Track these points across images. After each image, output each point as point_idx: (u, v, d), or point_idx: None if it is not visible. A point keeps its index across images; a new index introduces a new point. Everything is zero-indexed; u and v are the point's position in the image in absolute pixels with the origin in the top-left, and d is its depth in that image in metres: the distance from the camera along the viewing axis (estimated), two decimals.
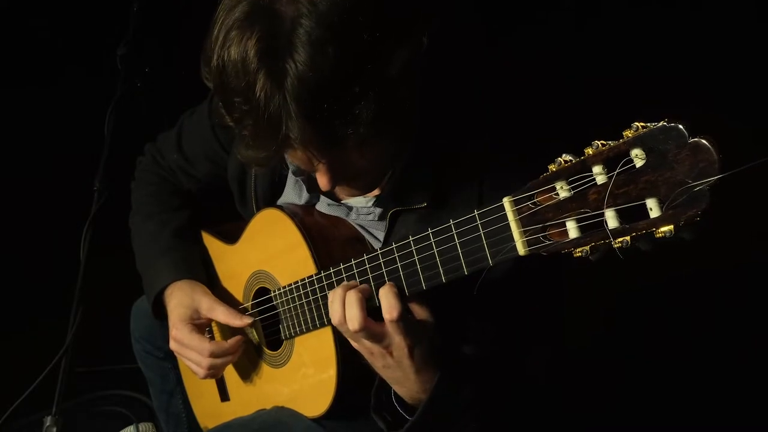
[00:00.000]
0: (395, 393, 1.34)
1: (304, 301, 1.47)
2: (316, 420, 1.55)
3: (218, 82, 1.19)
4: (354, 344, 1.30)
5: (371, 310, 1.25)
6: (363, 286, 1.28)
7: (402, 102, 1.20)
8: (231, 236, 1.75)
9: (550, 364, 1.44)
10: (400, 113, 1.22)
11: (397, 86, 1.17)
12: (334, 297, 1.26)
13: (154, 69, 2.47)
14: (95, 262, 1.90)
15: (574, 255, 1.00)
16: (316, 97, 1.11)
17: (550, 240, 1.03)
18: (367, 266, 1.30)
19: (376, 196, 1.45)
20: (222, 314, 1.66)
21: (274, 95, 1.12)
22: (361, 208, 1.50)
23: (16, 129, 3.21)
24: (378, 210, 1.46)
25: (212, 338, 1.74)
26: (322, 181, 1.27)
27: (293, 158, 1.28)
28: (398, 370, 1.26)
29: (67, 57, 3.16)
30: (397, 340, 1.22)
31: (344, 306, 1.24)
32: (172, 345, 1.69)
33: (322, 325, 1.46)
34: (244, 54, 1.13)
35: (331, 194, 1.54)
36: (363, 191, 1.39)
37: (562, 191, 1.00)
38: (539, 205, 1.03)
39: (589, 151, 0.97)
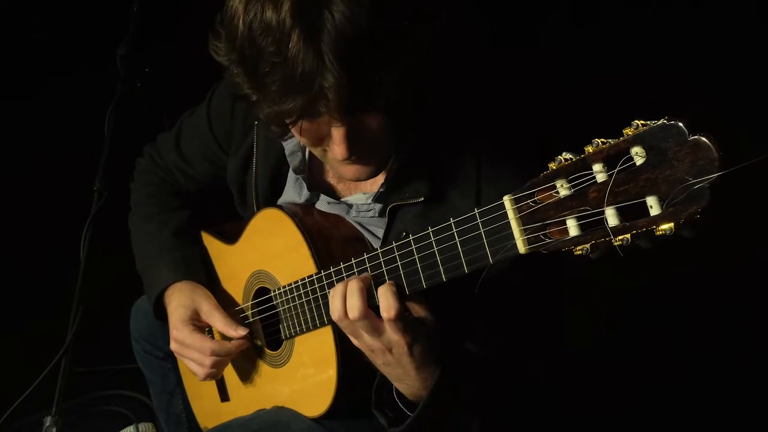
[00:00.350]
0: (396, 389, 1.34)
1: (304, 300, 1.47)
2: (316, 420, 1.55)
3: (245, 40, 1.17)
4: (354, 341, 1.30)
5: (371, 308, 1.24)
6: (364, 275, 1.29)
7: (423, 72, 1.21)
8: (231, 236, 1.75)
9: (550, 364, 1.44)
10: (419, 84, 1.23)
11: (425, 51, 1.19)
12: (335, 293, 1.27)
13: (154, 69, 2.47)
14: (95, 262, 1.90)
15: (575, 253, 1.00)
16: (353, 48, 1.11)
17: (550, 238, 1.02)
18: (368, 265, 1.30)
19: (375, 193, 1.45)
20: (219, 321, 1.66)
21: (311, 47, 1.11)
22: (360, 205, 1.50)
23: (16, 129, 3.21)
24: (378, 206, 1.46)
25: (212, 338, 1.74)
26: (340, 149, 1.25)
27: (311, 129, 1.26)
28: (399, 368, 1.26)
29: (67, 57, 3.16)
30: (396, 338, 1.22)
31: (345, 299, 1.25)
32: (173, 346, 1.69)
33: (322, 324, 1.46)
34: (278, 8, 1.12)
35: (332, 192, 1.55)
36: (371, 168, 1.37)
37: (563, 189, 1.00)
38: (539, 204, 1.03)
39: (590, 149, 0.97)
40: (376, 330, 1.23)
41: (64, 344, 1.79)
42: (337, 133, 1.24)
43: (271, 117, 1.22)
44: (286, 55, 1.13)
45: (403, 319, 1.21)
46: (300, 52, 1.12)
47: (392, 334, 1.22)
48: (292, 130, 1.27)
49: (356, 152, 1.27)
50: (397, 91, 1.19)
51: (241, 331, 1.63)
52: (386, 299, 1.21)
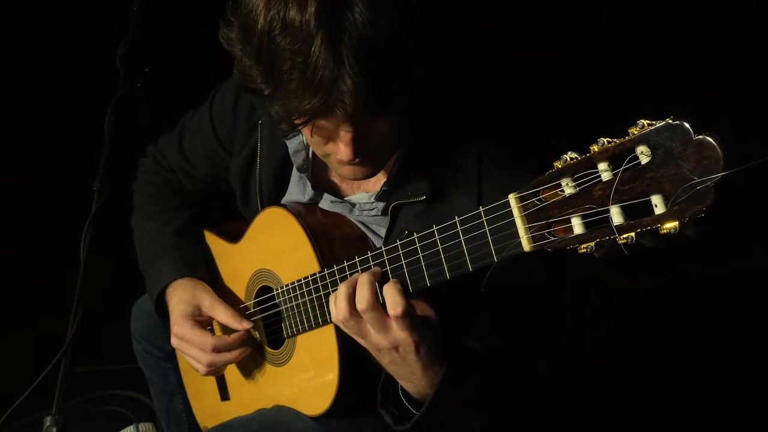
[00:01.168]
0: (402, 388, 1.34)
1: (307, 299, 1.47)
2: (316, 418, 1.54)
3: (264, 35, 1.17)
4: (360, 341, 1.30)
5: None
6: (374, 269, 1.29)
7: (432, 75, 1.23)
8: (234, 235, 1.75)
9: (551, 363, 1.44)
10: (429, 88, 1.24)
11: (435, 56, 1.20)
12: (339, 294, 1.27)
13: (154, 69, 2.47)
14: (95, 262, 1.90)
15: (579, 251, 1.00)
16: (373, 53, 1.13)
17: (555, 236, 1.03)
18: (371, 264, 1.30)
19: (378, 191, 1.45)
20: (222, 314, 1.66)
21: (332, 49, 1.12)
22: (363, 204, 1.51)
23: (16, 129, 3.21)
24: (380, 204, 1.47)
25: (213, 334, 1.73)
26: (346, 151, 1.27)
27: (318, 129, 1.26)
28: (405, 366, 1.27)
29: (67, 57, 3.16)
30: (403, 336, 1.22)
31: (349, 298, 1.24)
32: (174, 341, 1.69)
33: (325, 322, 1.46)
34: (303, 8, 1.13)
35: (335, 190, 1.56)
36: (370, 169, 1.38)
37: (568, 188, 1.01)
38: (545, 202, 1.04)
39: (595, 148, 0.97)
40: (384, 326, 1.23)
41: (64, 344, 1.78)
42: (345, 135, 1.24)
43: (282, 115, 1.22)
44: (308, 56, 1.13)
45: (409, 316, 1.21)
46: (321, 55, 1.12)
47: (399, 332, 1.22)
48: (301, 127, 1.27)
49: (360, 154, 1.28)
50: (409, 97, 1.21)
51: (246, 324, 1.63)
52: (392, 296, 1.21)
